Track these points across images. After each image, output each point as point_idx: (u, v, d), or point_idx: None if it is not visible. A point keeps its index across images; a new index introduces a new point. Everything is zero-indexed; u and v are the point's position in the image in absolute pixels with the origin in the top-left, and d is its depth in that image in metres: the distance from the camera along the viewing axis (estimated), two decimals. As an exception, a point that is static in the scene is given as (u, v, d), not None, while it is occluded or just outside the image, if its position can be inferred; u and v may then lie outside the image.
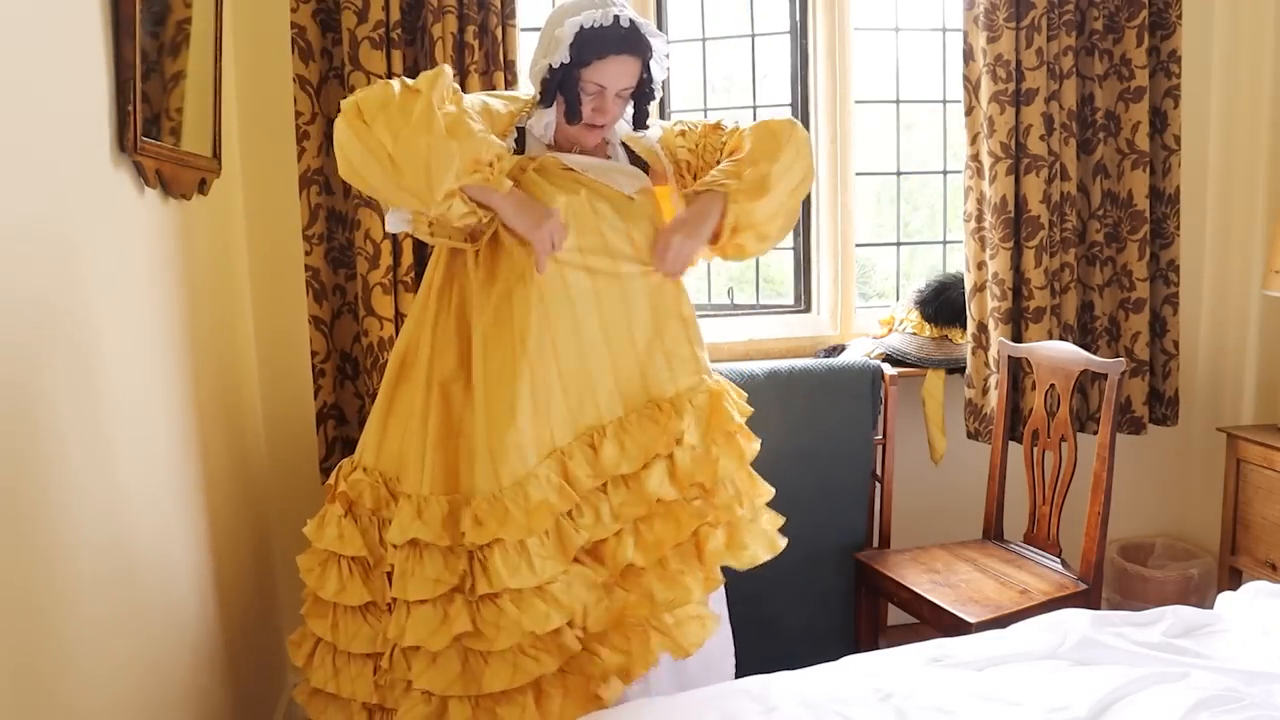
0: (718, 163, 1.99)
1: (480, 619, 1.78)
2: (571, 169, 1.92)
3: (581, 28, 1.80)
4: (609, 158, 2.02)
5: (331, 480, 1.98)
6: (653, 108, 2.07)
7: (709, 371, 2.01)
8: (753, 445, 2.00)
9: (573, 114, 1.89)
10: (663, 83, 1.98)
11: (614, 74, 1.86)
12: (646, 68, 1.91)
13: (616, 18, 1.82)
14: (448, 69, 1.74)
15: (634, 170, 2.01)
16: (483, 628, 1.77)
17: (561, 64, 1.83)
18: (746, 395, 2.09)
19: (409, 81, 1.72)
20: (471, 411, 1.85)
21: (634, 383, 1.91)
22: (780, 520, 2.07)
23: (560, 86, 1.87)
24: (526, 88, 2.20)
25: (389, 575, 1.88)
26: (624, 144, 2.07)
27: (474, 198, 1.78)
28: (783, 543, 2.04)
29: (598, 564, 1.86)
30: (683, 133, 2.07)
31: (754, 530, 1.99)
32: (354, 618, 1.91)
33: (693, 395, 1.93)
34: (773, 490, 2.06)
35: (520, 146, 1.98)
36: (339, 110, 1.72)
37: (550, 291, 1.85)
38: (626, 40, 1.84)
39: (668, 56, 1.95)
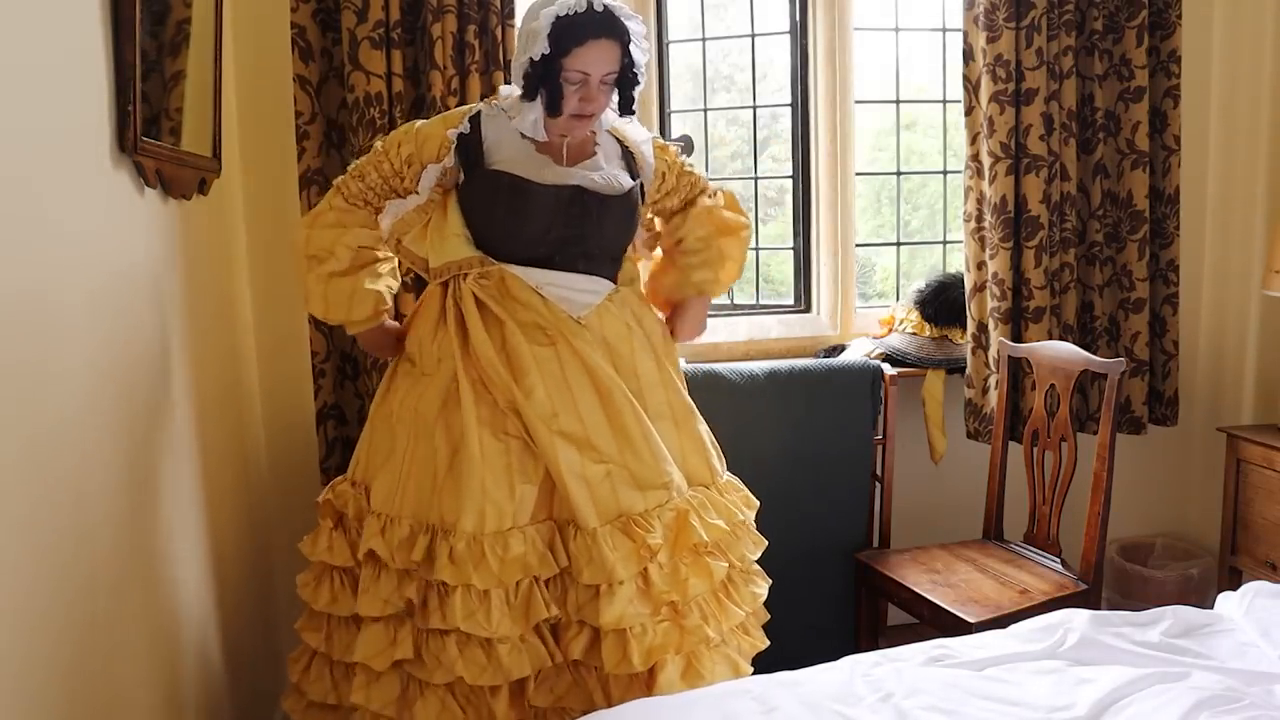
0: (682, 199, 2.17)
1: (425, 648, 1.78)
2: (529, 285, 1.91)
3: (557, 17, 1.81)
4: (594, 154, 2.00)
5: (321, 498, 2.00)
6: (650, 104, 2.06)
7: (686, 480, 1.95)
8: (720, 565, 1.90)
9: (554, 108, 1.88)
10: (645, 66, 1.96)
11: (595, 59, 1.85)
12: (627, 52, 1.90)
13: (590, 3, 1.82)
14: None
15: (598, 285, 1.98)
16: (425, 656, 1.78)
17: (542, 55, 1.83)
18: (754, 500, 2.06)
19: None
20: (446, 442, 1.84)
21: (604, 492, 1.84)
22: (760, 646, 2.00)
23: (543, 80, 1.86)
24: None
25: None
26: (611, 134, 2.07)
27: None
28: (748, 669, 1.93)
29: (555, 645, 1.83)
30: (664, 146, 2.14)
31: (717, 656, 1.88)
32: (348, 628, 1.90)
33: (661, 512, 1.86)
34: (744, 614, 1.96)
35: (472, 156, 1.93)
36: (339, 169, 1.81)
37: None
38: (603, 24, 1.84)
39: (646, 38, 1.94)
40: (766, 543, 2.05)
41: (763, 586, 2.03)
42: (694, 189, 2.18)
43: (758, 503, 2.08)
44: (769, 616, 2.08)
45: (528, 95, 1.89)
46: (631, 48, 1.89)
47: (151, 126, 1.76)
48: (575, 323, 1.91)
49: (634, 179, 2.03)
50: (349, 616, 1.89)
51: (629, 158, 2.05)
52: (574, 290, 1.93)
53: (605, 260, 2.00)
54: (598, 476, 1.83)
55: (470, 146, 1.92)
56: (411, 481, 1.85)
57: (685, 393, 2.04)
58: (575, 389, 1.85)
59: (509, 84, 2.15)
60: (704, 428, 2.05)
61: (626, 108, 2.00)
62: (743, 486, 2.08)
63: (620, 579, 1.77)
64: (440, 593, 1.77)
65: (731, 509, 1.98)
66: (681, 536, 1.86)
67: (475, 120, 1.95)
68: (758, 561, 2.04)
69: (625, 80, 1.93)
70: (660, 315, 2.13)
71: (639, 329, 2.00)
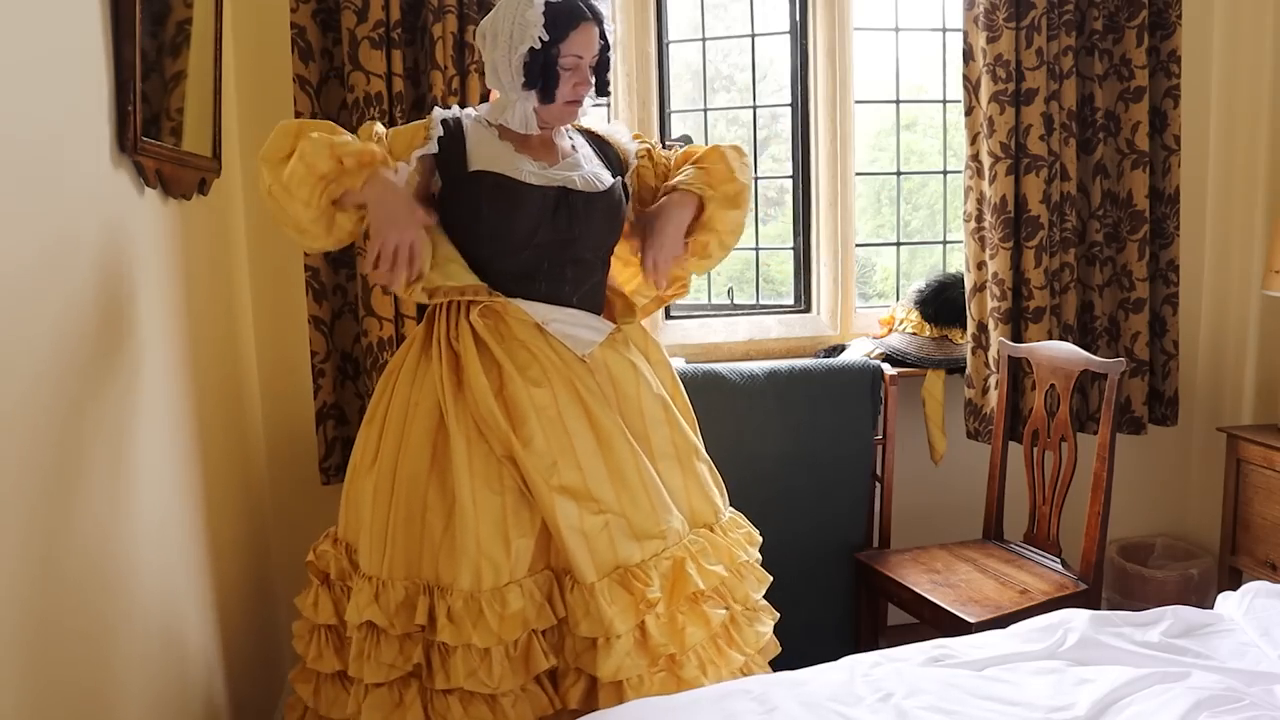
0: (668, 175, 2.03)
1: (433, 709, 1.77)
2: (532, 321, 1.87)
3: (548, 3, 1.84)
4: (573, 153, 1.99)
5: (307, 559, 1.97)
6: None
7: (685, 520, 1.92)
8: (718, 612, 1.87)
9: (548, 96, 1.89)
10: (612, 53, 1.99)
11: (586, 42, 1.88)
12: (603, 35, 1.93)
13: None
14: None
15: (600, 324, 1.96)
16: (433, 717, 1.77)
17: (542, 42, 1.84)
18: (755, 533, 2.02)
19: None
20: (442, 499, 1.80)
21: (602, 544, 1.81)
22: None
23: (542, 68, 1.87)
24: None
25: None
26: (593, 135, 2.06)
27: (356, 203, 1.79)
28: None
29: (554, 692, 1.82)
30: (649, 153, 2.08)
31: None
32: (333, 684, 1.89)
33: (657, 561, 1.83)
34: (744, 659, 1.90)
35: (451, 155, 1.90)
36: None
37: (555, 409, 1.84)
38: (588, 7, 1.89)
39: (611, 20, 1.97)
40: (771, 579, 2.02)
41: (768, 624, 2.00)
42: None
43: (760, 539, 2.05)
44: (779, 650, 2.05)
45: (529, 84, 1.88)
46: (605, 30, 1.93)
47: (151, 126, 1.76)
48: (580, 361, 1.88)
49: (615, 176, 2.00)
50: (333, 674, 1.89)
51: (607, 155, 2.03)
52: (579, 327, 1.91)
53: (596, 265, 1.97)
54: (595, 528, 1.80)
55: (452, 151, 1.90)
56: (399, 541, 1.80)
57: (690, 429, 2.01)
58: (573, 434, 1.82)
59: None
60: (706, 464, 2.02)
61: (603, 90, 2.00)
62: (745, 523, 2.06)
63: (618, 633, 1.75)
64: (441, 653, 1.75)
65: (733, 550, 1.96)
66: (678, 586, 1.84)
67: (457, 123, 1.93)
68: (760, 564, 2.02)
69: (600, 63, 1.96)
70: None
71: (644, 365, 1.98)
